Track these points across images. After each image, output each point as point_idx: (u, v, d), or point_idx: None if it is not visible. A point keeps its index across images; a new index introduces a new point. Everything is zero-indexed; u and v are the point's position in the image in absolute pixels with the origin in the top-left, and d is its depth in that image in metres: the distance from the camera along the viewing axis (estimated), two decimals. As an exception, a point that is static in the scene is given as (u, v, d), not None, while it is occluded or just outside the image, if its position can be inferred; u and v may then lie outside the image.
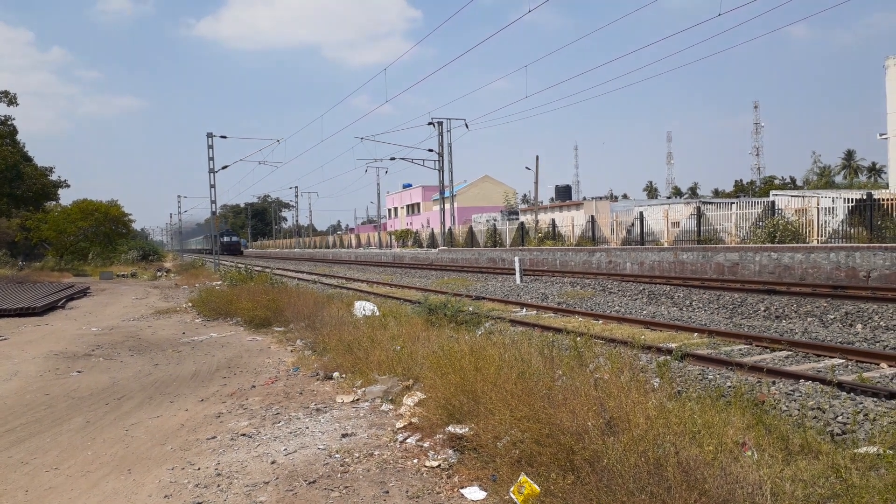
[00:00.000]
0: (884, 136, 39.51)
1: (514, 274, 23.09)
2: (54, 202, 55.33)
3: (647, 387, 5.99)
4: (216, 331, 14.09)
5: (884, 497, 3.65)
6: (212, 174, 37.32)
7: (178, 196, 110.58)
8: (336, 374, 8.65)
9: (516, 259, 23.69)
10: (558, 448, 4.45)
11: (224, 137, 38.19)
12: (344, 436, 6.16)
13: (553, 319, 13.57)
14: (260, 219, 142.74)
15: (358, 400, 7.43)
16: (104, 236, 52.91)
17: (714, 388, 6.83)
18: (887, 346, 9.43)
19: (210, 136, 37.10)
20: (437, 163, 44.97)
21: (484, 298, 17.67)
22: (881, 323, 11.32)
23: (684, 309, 14.97)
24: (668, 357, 8.61)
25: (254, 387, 8.52)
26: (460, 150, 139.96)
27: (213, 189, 37.50)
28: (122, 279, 37.73)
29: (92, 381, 9.31)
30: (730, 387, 7.00)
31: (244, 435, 6.35)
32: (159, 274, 40.95)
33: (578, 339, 8.55)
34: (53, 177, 52.01)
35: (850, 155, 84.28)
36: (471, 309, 12.72)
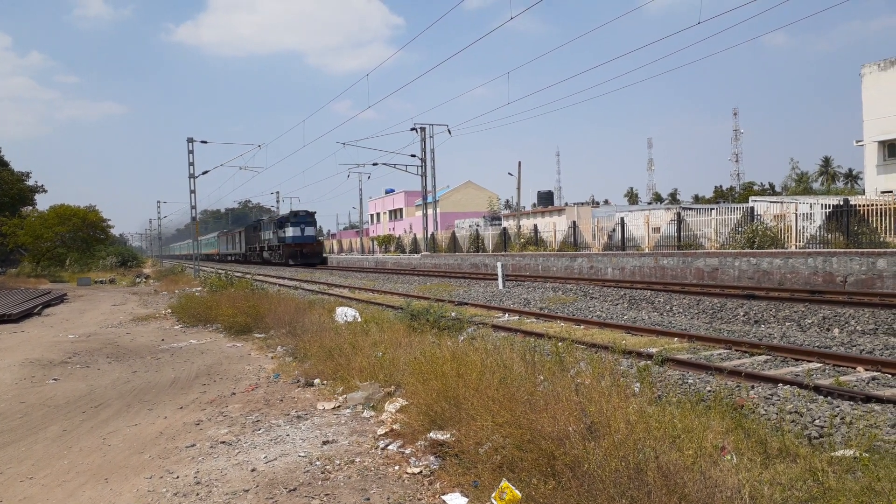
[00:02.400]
0: (860, 143, 40.19)
1: (497, 279, 23.13)
2: (31, 207, 54.55)
3: (628, 392, 6.03)
4: (196, 337, 13.95)
5: (860, 500, 3.70)
6: (192, 179, 37.00)
7: (158, 202, 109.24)
8: (317, 381, 8.60)
9: (499, 264, 23.75)
10: (540, 453, 4.45)
11: (205, 143, 37.95)
12: (325, 443, 6.12)
13: (535, 324, 13.60)
14: (240, 224, 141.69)
15: (339, 407, 7.39)
16: (82, 242, 52.27)
17: (694, 393, 6.88)
18: (863, 350, 9.55)
19: (190, 141, 36.82)
20: (419, 168, 45.01)
21: (467, 304, 17.67)
22: (857, 327, 11.48)
23: (665, 314, 15.08)
24: (649, 362, 8.67)
25: (234, 394, 8.44)
26: (443, 155, 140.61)
27: (193, 194, 37.17)
28: (100, 285, 37.25)
29: (69, 389, 9.17)
30: (709, 391, 7.05)
31: (224, 443, 6.28)
32: (138, 280, 40.50)
33: (560, 344, 8.57)
34: (30, 182, 51.35)
35: (827, 161, 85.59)
36: (453, 314, 12.72)
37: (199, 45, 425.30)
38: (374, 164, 48.30)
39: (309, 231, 54.01)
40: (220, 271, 38.68)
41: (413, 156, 45.92)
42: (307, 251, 53.02)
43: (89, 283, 37.48)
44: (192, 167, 36.93)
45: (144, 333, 15.11)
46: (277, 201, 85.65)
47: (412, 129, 44.45)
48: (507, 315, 15.49)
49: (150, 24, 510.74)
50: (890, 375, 7.83)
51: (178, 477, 5.37)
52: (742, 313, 13.81)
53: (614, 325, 12.88)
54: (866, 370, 8.14)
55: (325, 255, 58.69)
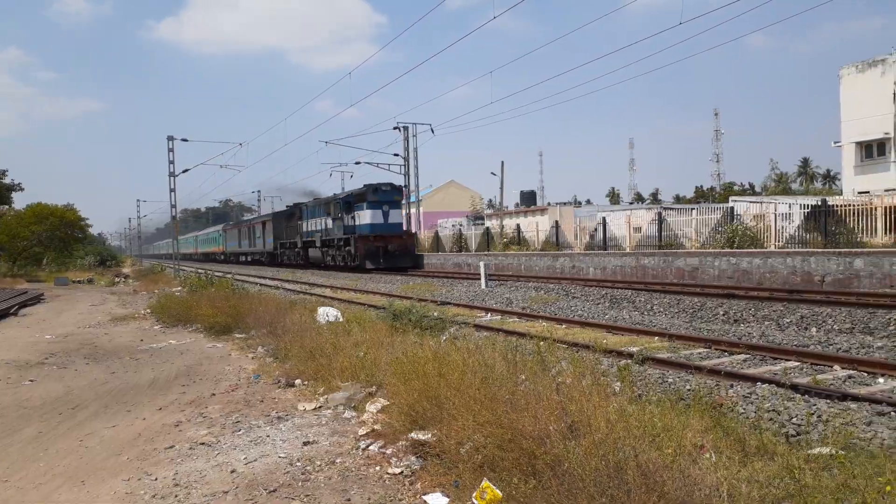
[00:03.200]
0: (838, 144, 40.77)
1: (480, 279, 23.16)
2: (7, 206, 53.69)
3: (609, 391, 6.05)
4: (175, 338, 13.81)
5: (836, 497, 3.74)
6: (172, 178, 36.65)
7: (138, 200, 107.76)
8: (298, 382, 8.55)
9: (481, 264, 23.78)
10: (520, 453, 4.46)
11: (185, 140, 37.59)
12: (305, 444, 6.09)
13: (517, 324, 13.63)
14: (222, 222, 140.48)
15: (320, 407, 7.35)
16: (59, 241, 51.54)
17: (674, 392, 6.93)
18: (840, 348, 9.68)
19: (171, 139, 36.46)
20: (402, 167, 44.92)
21: (449, 304, 17.67)
22: (835, 326, 11.63)
23: (646, 313, 15.18)
24: (630, 361, 8.72)
25: (213, 395, 8.37)
26: (426, 154, 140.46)
27: (173, 193, 36.82)
28: (78, 285, 36.78)
29: (45, 391, 9.03)
30: (689, 390, 7.10)
31: (203, 444, 6.22)
32: (117, 279, 40.06)
33: (542, 343, 8.59)
34: (7, 180, 50.54)
35: (806, 162, 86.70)
36: (436, 314, 12.71)
37: (179, 42, 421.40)
38: (357, 163, 48.00)
39: (395, 215, 35.96)
40: (199, 271, 38.28)
41: (396, 155, 45.84)
42: (394, 248, 35.16)
43: (67, 283, 36.99)
44: (172, 165, 36.58)
45: (123, 334, 14.93)
46: (259, 200, 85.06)
47: (395, 128, 44.37)
48: (489, 315, 15.51)
49: (130, 21, 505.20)
50: (866, 374, 7.94)
51: (156, 479, 5.31)
52: (722, 312, 13.94)
53: (596, 325, 12.94)
54: (843, 368, 8.25)
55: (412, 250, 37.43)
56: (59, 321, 18.19)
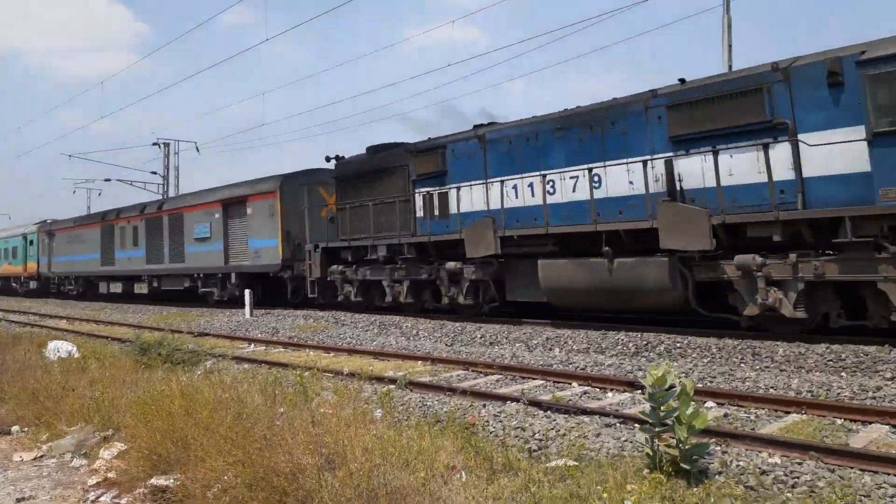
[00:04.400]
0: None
1: (245, 307, 22.10)
2: None
3: (369, 418, 6.05)
4: None
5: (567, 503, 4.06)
6: None
7: None
8: (15, 429, 7.35)
9: (247, 291, 22.70)
10: (271, 491, 4.24)
11: None
12: (20, 500, 5.21)
13: (282, 354, 13.20)
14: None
15: (42, 457, 6.37)
16: None
17: (432, 415, 7.13)
18: (578, 366, 10.75)
19: None
20: (161, 186, 41.68)
21: (208, 335, 16.59)
22: (574, 346, 12.92)
23: (412, 338, 15.60)
24: (392, 387, 8.83)
25: None
26: (191, 173, 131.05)
27: None
28: None
29: None
30: (446, 412, 7.36)
31: None
32: None
33: (306, 374, 8.38)
34: None
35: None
36: (191, 347, 11.83)
37: None
38: (107, 180, 43.44)
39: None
40: None
41: (154, 172, 42.41)
42: None
43: None
44: None
45: None
46: (-18, 219, 72.88)
47: (154, 144, 41.15)
48: (252, 345, 14.83)
49: None
50: (598, 389, 8.88)
51: None
52: (479, 335, 14.80)
53: (363, 352, 13.00)
54: (579, 385, 9.15)
55: None
56: None
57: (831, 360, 9.11)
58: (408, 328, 16.77)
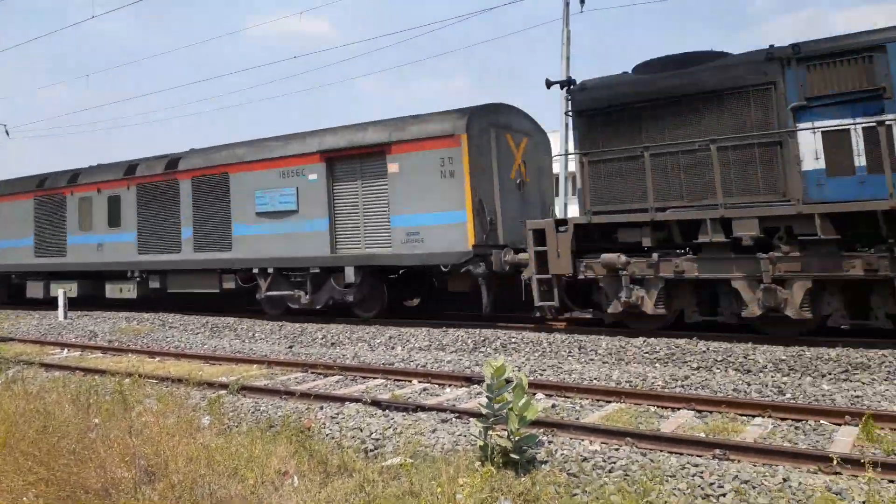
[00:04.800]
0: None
1: (58, 309, 20.03)
2: None
3: (196, 426, 5.71)
4: None
5: (401, 501, 4.07)
6: None
7: None
8: None
9: (60, 292, 20.57)
10: (79, 511, 3.85)
11: None
12: None
13: (100, 360, 12.14)
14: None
15: None
16: None
17: (266, 420, 6.86)
18: (418, 364, 10.88)
19: None
20: (-44, 176, 36.69)
21: (13, 340, 14.90)
22: (416, 344, 13.07)
23: (247, 340, 14.98)
24: (223, 392, 8.42)
25: None
26: (4, 160, 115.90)
27: None
28: None
29: None
30: (280, 416, 7.13)
31: None
32: None
33: (126, 380, 7.75)
34: None
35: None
36: (-10, 354, 10.51)
37: None
38: None
39: None
40: None
41: (-52, 160, 37.22)
42: None
43: None
44: None
45: None
46: None
47: (-51, 127, 36.08)
48: (66, 351, 13.51)
49: None
50: (437, 385, 9.05)
51: None
52: (321, 336, 14.53)
53: (192, 356, 12.30)
54: (419, 382, 9.27)
55: None
56: None
57: (647, 353, 9.96)
58: (243, 330, 16.10)
